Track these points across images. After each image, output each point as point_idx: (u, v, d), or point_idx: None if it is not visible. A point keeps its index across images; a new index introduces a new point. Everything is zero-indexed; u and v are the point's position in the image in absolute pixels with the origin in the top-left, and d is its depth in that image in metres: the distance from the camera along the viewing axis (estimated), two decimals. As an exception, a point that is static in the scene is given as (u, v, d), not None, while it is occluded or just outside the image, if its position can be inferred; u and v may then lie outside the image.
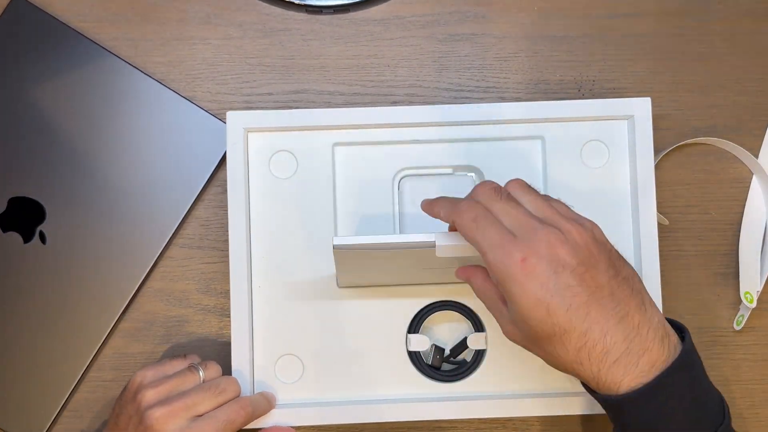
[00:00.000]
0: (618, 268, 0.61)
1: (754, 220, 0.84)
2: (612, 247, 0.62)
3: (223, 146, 0.80)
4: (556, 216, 0.61)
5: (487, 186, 0.63)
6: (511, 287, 0.59)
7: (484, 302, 0.66)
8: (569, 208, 0.64)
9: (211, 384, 0.73)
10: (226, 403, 0.73)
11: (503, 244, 0.59)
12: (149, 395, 0.71)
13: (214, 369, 0.76)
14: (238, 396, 0.75)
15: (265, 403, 0.76)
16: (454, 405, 0.77)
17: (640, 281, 0.62)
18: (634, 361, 0.59)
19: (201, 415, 0.71)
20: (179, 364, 0.75)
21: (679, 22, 0.85)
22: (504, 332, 0.65)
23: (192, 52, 0.84)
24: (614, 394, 0.60)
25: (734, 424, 0.84)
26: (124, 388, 0.74)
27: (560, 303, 0.58)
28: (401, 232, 0.80)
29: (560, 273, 0.58)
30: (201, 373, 0.74)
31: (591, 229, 0.61)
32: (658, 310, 0.62)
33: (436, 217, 0.66)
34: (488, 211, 0.61)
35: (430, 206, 0.67)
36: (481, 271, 0.67)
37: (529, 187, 0.64)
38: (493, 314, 0.65)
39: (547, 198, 0.64)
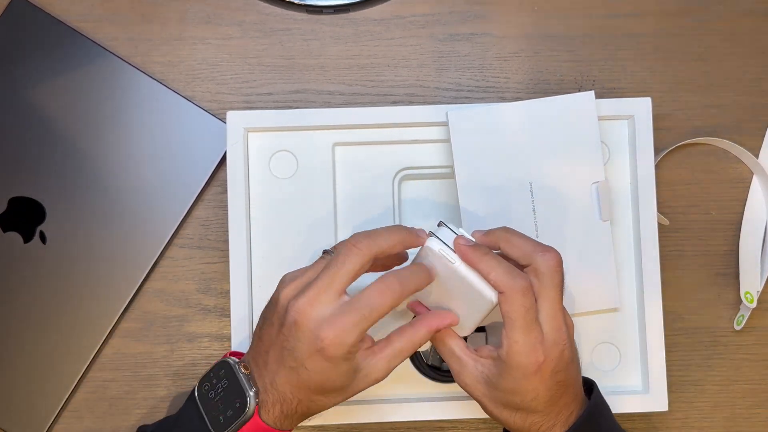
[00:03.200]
0: (575, 353, 0.69)
1: (755, 220, 0.84)
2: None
3: (223, 146, 0.80)
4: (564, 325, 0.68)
5: (556, 262, 0.67)
6: (514, 376, 0.66)
7: (439, 346, 0.70)
8: None
9: (335, 254, 0.66)
10: (360, 270, 0.65)
11: (536, 342, 0.66)
12: (284, 294, 0.66)
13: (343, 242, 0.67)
14: (368, 250, 0.65)
15: (420, 275, 0.67)
16: (454, 405, 0.77)
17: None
18: (565, 424, 0.69)
19: (347, 295, 0.65)
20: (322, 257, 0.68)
21: (679, 22, 0.85)
22: (458, 379, 0.69)
23: (192, 51, 0.84)
24: None
25: (734, 424, 0.84)
26: (269, 301, 0.69)
27: (546, 395, 0.67)
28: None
29: (558, 373, 0.67)
30: (329, 254, 0.67)
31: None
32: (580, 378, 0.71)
33: (478, 266, 0.66)
34: (534, 305, 0.66)
35: (475, 251, 0.66)
36: (433, 314, 0.69)
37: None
38: (450, 359, 0.69)
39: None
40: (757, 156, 0.84)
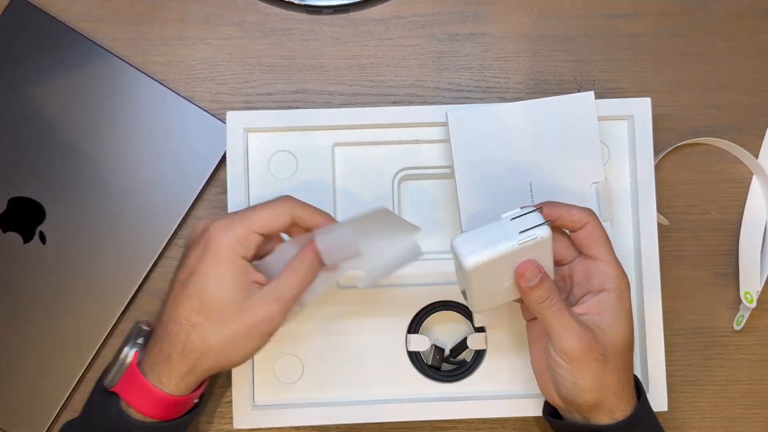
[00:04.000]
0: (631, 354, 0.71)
1: (754, 220, 0.84)
2: None
3: (223, 146, 0.80)
4: None
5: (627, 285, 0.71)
6: (618, 299, 0.69)
7: (554, 305, 0.67)
8: None
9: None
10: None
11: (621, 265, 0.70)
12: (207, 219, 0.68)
13: None
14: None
15: (317, 213, 0.70)
16: (454, 405, 0.77)
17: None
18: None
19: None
20: None
21: (679, 22, 0.85)
22: (571, 342, 0.67)
23: (192, 52, 0.84)
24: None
25: (734, 424, 0.84)
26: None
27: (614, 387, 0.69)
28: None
29: (611, 368, 0.68)
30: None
31: None
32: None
33: (535, 309, 0.68)
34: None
35: (536, 292, 0.67)
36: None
37: None
38: (560, 319, 0.67)
39: None
40: (756, 156, 0.84)
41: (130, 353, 0.68)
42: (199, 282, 0.64)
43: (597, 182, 0.77)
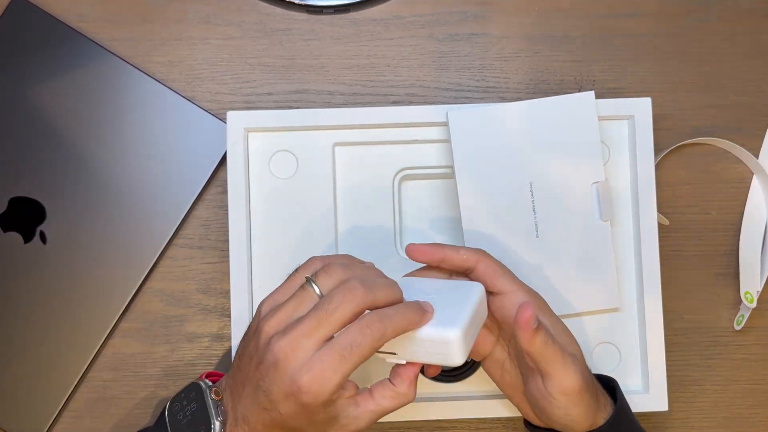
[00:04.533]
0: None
1: (755, 220, 0.84)
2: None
3: (223, 146, 0.80)
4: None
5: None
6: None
7: (552, 345, 0.66)
8: None
9: (327, 299, 0.61)
10: (349, 319, 0.61)
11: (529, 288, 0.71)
12: (267, 328, 0.61)
13: (333, 275, 0.62)
14: (364, 300, 0.61)
15: (408, 314, 0.61)
16: (454, 405, 0.77)
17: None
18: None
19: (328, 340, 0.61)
20: (295, 283, 0.64)
21: (679, 22, 0.85)
22: (570, 377, 0.67)
23: (192, 52, 0.84)
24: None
25: (734, 424, 0.84)
26: (248, 327, 0.66)
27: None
28: (401, 232, 0.80)
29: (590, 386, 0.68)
30: (315, 288, 0.62)
31: None
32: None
33: (529, 350, 0.66)
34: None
35: (537, 336, 0.65)
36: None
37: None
38: (558, 356, 0.66)
39: None
40: (756, 156, 0.84)
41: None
42: (288, 420, 0.61)
43: (597, 182, 0.77)
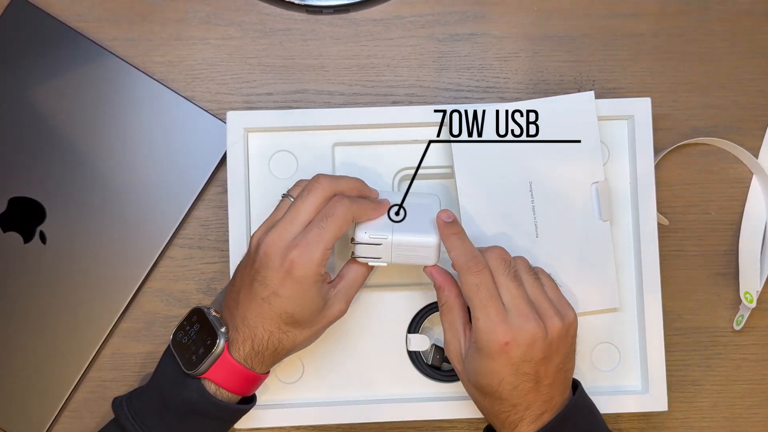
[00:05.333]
0: (565, 363, 0.71)
1: (754, 220, 0.84)
2: (574, 341, 0.72)
3: (223, 146, 0.80)
4: (545, 306, 0.70)
5: (498, 255, 0.70)
6: (481, 355, 0.69)
7: (445, 313, 0.73)
8: (558, 289, 0.72)
9: (300, 193, 0.71)
10: (318, 203, 0.70)
11: (496, 321, 0.68)
12: (255, 237, 0.71)
13: (300, 184, 0.72)
14: (329, 186, 0.71)
15: (368, 204, 0.72)
16: (454, 405, 0.77)
17: (573, 369, 0.72)
18: (538, 422, 0.70)
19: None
20: (282, 204, 0.73)
21: (679, 22, 0.85)
22: (446, 350, 0.73)
23: (192, 52, 0.84)
24: None
25: (734, 424, 0.84)
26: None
27: (512, 382, 0.69)
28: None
29: (526, 363, 0.68)
30: (290, 198, 0.72)
31: (568, 326, 0.70)
32: (570, 384, 0.73)
33: (445, 241, 0.71)
34: (493, 283, 0.69)
35: (448, 228, 0.71)
36: (456, 286, 0.72)
37: (530, 268, 0.72)
38: (447, 328, 0.73)
39: (539, 278, 0.72)
40: (756, 156, 0.84)
41: (221, 344, 0.69)
42: (286, 303, 0.69)
43: (597, 182, 0.77)
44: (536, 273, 0.72)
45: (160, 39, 0.84)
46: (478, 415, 0.77)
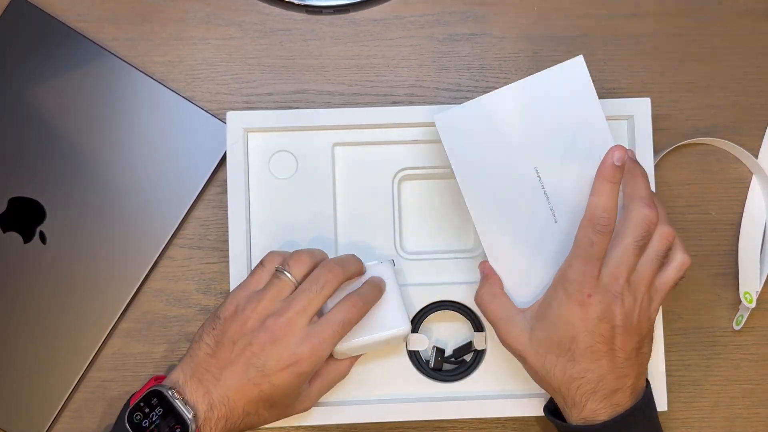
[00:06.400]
0: (643, 345, 0.71)
1: (754, 220, 0.84)
2: (653, 327, 0.72)
3: (223, 146, 0.80)
4: (641, 285, 0.70)
5: (643, 219, 0.69)
6: (557, 305, 0.69)
7: (489, 306, 0.73)
8: (669, 287, 0.72)
9: (312, 280, 0.70)
10: (331, 294, 0.71)
11: (588, 272, 0.68)
12: (257, 312, 0.69)
13: (300, 262, 0.72)
14: (342, 277, 0.72)
15: (376, 292, 0.73)
16: (454, 405, 0.77)
17: (648, 357, 0.72)
18: (609, 401, 0.70)
19: (317, 317, 0.71)
20: (263, 274, 0.72)
21: (679, 22, 0.85)
22: (506, 337, 0.72)
23: (192, 52, 0.84)
24: (592, 424, 0.69)
25: (734, 424, 0.84)
26: (206, 320, 0.72)
27: (586, 340, 0.69)
28: (401, 232, 0.80)
29: (603, 323, 0.68)
30: (288, 275, 0.71)
31: (657, 308, 0.71)
32: (646, 372, 0.73)
33: (598, 184, 0.70)
34: (602, 247, 0.69)
35: (610, 173, 0.70)
36: (500, 282, 0.74)
37: (666, 253, 0.71)
38: (498, 320, 0.73)
39: (661, 266, 0.71)
40: (756, 156, 0.84)
41: (191, 427, 0.68)
42: (275, 391, 0.69)
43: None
44: (666, 261, 0.71)
45: (160, 39, 0.84)
46: (478, 415, 0.77)
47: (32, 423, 0.80)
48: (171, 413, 0.68)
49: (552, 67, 0.74)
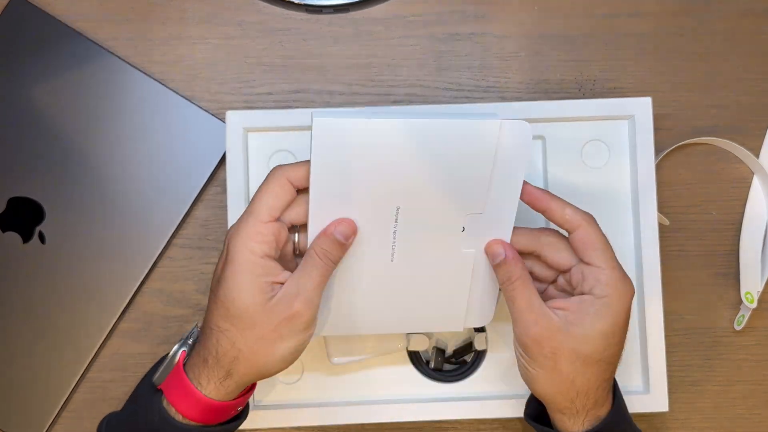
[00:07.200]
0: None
1: (755, 220, 0.84)
2: None
3: (223, 146, 0.80)
4: None
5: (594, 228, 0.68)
6: (603, 312, 0.66)
7: (517, 286, 0.66)
8: None
9: None
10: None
11: (620, 271, 0.67)
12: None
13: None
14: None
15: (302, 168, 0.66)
16: (454, 405, 0.77)
17: None
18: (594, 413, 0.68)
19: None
20: None
21: (680, 22, 0.85)
22: (526, 325, 0.66)
23: (192, 51, 0.84)
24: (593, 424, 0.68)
25: (735, 425, 0.84)
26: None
27: (623, 339, 0.68)
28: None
29: (628, 317, 0.68)
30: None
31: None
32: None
33: (551, 201, 0.67)
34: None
35: (546, 194, 0.68)
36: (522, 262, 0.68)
37: None
38: (520, 300, 0.66)
39: None
40: (757, 156, 0.84)
41: (178, 352, 0.66)
42: (223, 289, 0.63)
43: (474, 214, 0.68)
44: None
45: (160, 39, 0.84)
46: (478, 415, 0.77)
47: (31, 423, 0.80)
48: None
49: (469, 121, 0.65)
